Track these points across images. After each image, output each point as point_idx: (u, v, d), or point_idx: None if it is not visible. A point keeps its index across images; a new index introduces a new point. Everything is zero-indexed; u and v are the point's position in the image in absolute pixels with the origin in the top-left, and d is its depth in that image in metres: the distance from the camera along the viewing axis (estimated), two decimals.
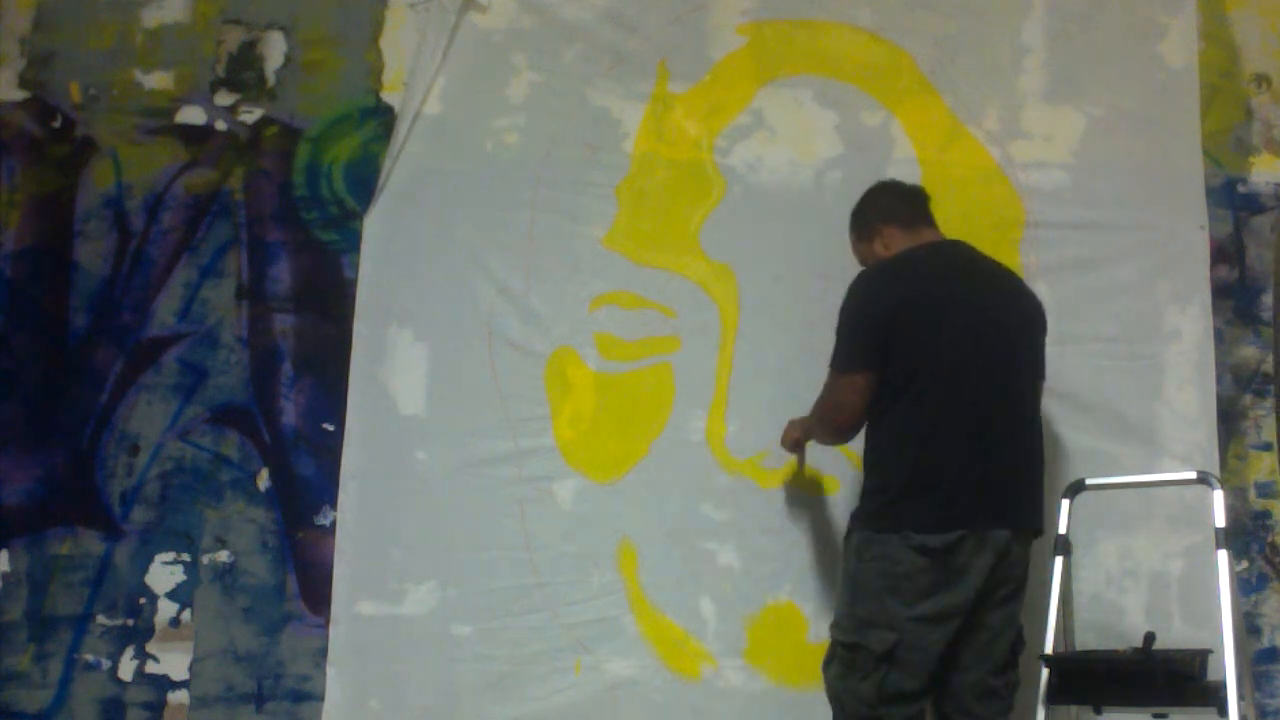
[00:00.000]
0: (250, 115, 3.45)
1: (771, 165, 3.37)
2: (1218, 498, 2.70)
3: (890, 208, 2.95)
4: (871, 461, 2.77)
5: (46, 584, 3.24)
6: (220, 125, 3.44)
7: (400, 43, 3.44)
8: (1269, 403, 3.38)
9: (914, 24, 3.44)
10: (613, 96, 3.39)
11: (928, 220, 2.94)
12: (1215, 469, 3.19)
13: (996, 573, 2.66)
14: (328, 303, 3.35)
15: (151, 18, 3.50)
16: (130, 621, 3.22)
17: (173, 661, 3.20)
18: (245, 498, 3.27)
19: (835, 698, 2.69)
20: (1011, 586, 2.71)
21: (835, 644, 2.71)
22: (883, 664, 2.61)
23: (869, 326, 2.73)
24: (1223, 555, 2.66)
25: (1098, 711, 2.71)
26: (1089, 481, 2.87)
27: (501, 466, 3.22)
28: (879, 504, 2.70)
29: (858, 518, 2.76)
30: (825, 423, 2.84)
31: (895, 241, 2.89)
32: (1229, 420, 3.33)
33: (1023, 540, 2.73)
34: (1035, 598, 2.87)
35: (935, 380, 2.68)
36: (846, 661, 2.66)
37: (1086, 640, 3.01)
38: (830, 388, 2.80)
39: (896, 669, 2.61)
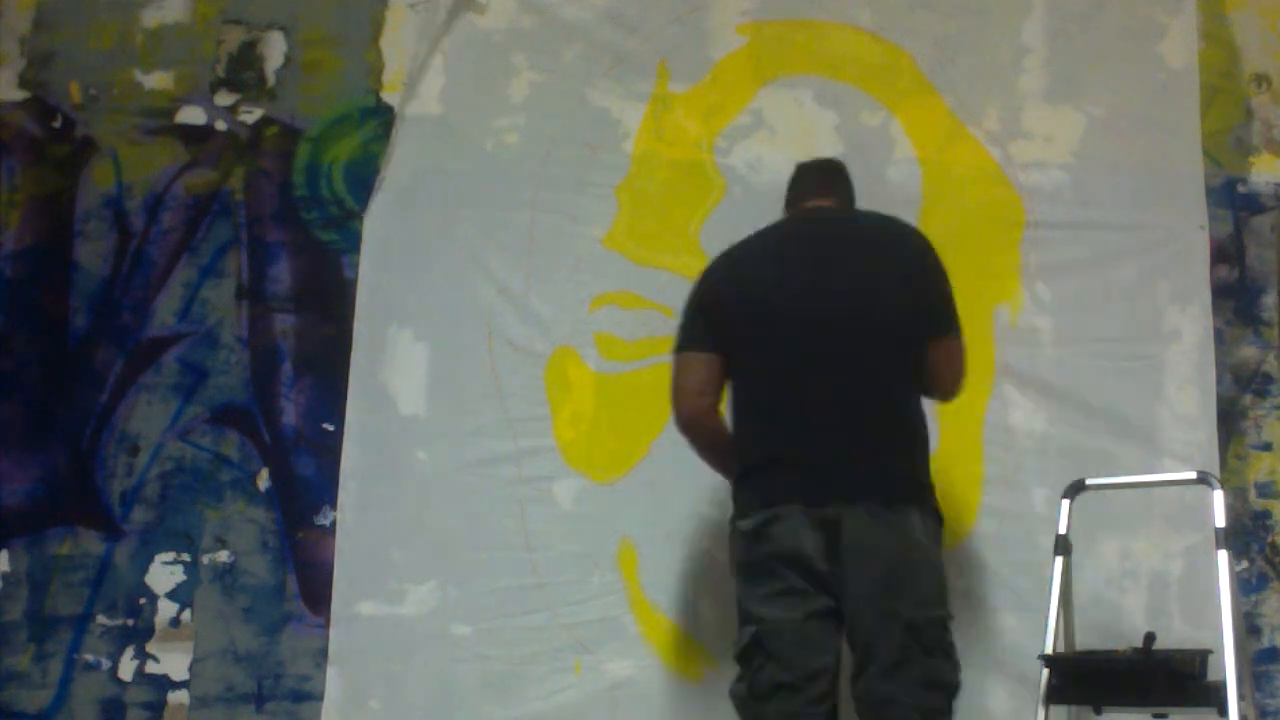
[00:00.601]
0: (250, 115, 3.45)
1: (771, 165, 3.36)
2: (1218, 498, 2.70)
3: (789, 193, 2.88)
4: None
5: (46, 584, 3.24)
6: (220, 125, 3.45)
7: (400, 43, 3.44)
8: (1269, 403, 3.38)
9: (914, 24, 3.44)
10: (613, 96, 3.39)
11: (816, 192, 2.80)
12: (1215, 469, 3.19)
13: (841, 558, 2.44)
14: (328, 303, 3.35)
15: (151, 18, 3.50)
16: (130, 621, 3.22)
17: (173, 661, 3.20)
18: (245, 498, 3.27)
19: (733, 704, 2.52)
20: (873, 580, 2.43)
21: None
22: (753, 659, 2.47)
23: (694, 308, 2.70)
24: (1223, 555, 2.66)
25: (1098, 711, 2.71)
26: (1089, 481, 2.86)
27: (501, 466, 3.22)
28: (731, 495, 2.63)
29: None
30: (673, 410, 2.70)
31: (787, 214, 2.86)
32: (1229, 420, 3.33)
33: (870, 519, 2.44)
34: (1035, 598, 2.87)
35: (751, 360, 2.60)
36: (737, 664, 2.52)
37: (1086, 640, 3.01)
38: (672, 370, 2.71)
39: (769, 662, 2.44)
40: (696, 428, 2.69)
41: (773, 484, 2.51)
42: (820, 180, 2.86)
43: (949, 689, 2.47)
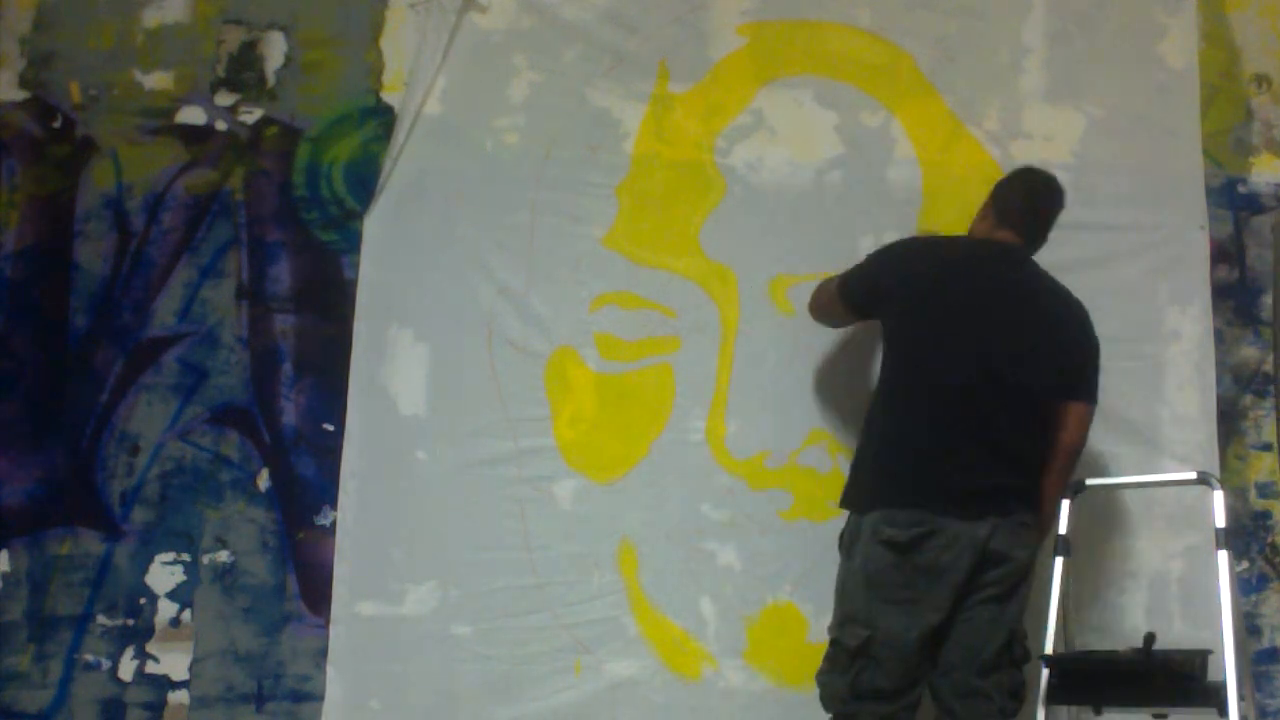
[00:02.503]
0: (250, 115, 3.45)
1: (771, 165, 3.37)
2: (1218, 498, 2.70)
3: (1004, 193, 2.98)
4: (862, 440, 2.85)
5: (46, 584, 3.24)
6: (220, 125, 3.44)
7: (400, 43, 3.44)
8: (1269, 403, 3.38)
9: (914, 24, 3.44)
10: (613, 96, 3.39)
11: (1020, 225, 2.91)
12: (1215, 469, 3.19)
13: (978, 570, 2.65)
14: (328, 303, 3.35)
15: (151, 18, 3.50)
16: (130, 621, 3.22)
17: (173, 661, 3.20)
18: (245, 498, 3.27)
19: (820, 694, 2.70)
20: (998, 587, 2.67)
21: (829, 639, 2.74)
22: (857, 660, 2.62)
23: (873, 274, 2.89)
24: (1223, 555, 2.66)
25: (1098, 712, 2.71)
26: (1089, 481, 2.87)
27: (501, 466, 3.22)
28: (858, 485, 2.78)
29: (845, 501, 2.83)
30: (810, 309, 3.10)
31: (984, 221, 2.96)
32: (1229, 420, 3.33)
33: (1009, 538, 2.67)
34: (1035, 598, 2.87)
35: (932, 370, 2.73)
36: (829, 657, 2.70)
37: (1086, 640, 3.01)
38: (823, 289, 3.04)
39: (871, 666, 2.61)
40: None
41: (930, 496, 2.65)
42: (1029, 219, 2.94)
43: (1021, 701, 2.69)
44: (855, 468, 2.82)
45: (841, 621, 2.69)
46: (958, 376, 2.69)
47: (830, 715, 2.69)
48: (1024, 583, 2.72)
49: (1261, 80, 3.52)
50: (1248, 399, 3.38)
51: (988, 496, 2.66)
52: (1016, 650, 2.69)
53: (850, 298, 2.92)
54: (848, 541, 2.74)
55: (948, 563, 2.62)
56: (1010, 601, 2.68)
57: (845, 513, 2.87)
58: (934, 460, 2.67)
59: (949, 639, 2.66)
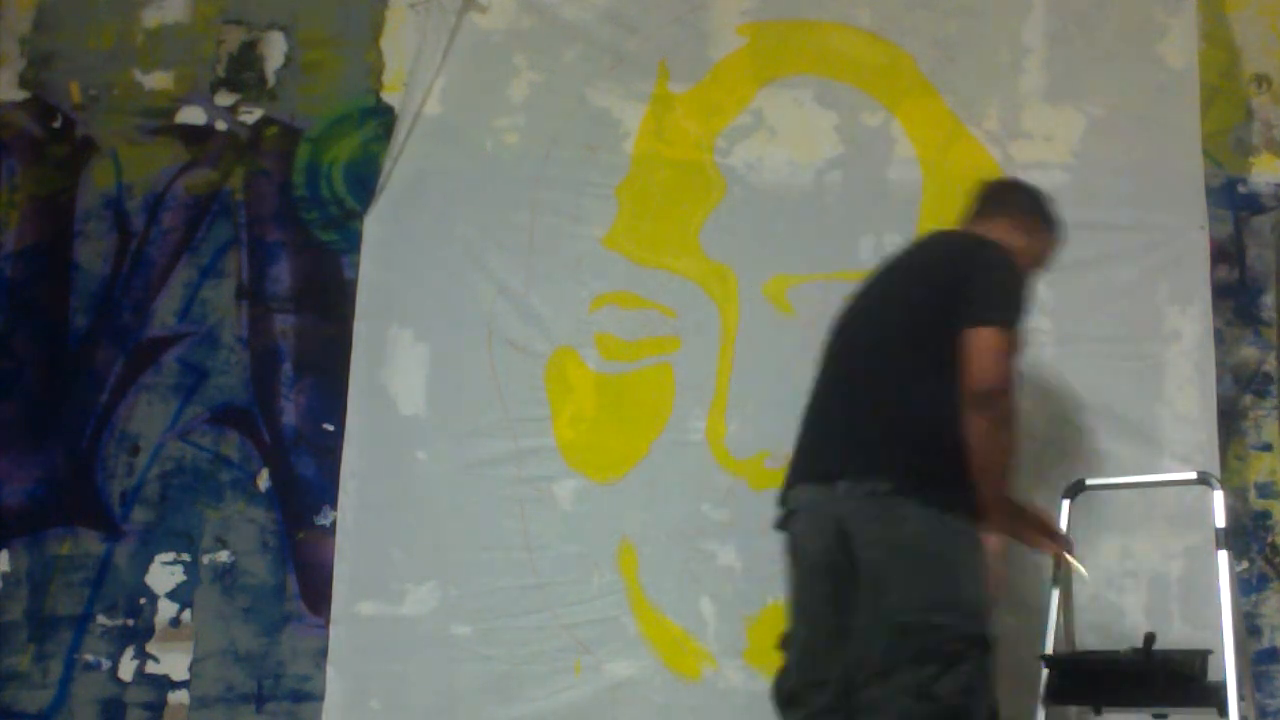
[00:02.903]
0: (250, 115, 3.45)
1: (771, 165, 3.37)
2: (1218, 498, 2.70)
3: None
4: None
5: (46, 584, 3.24)
6: (220, 125, 3.45)
7: (400, 43, 3.44)
8: (1269, 403, 3.38)
9: (914, 24, 3.44)
10: (613, 96, 3.39)
11: (971, 214, 2.81)
12: (1215, 469, 3.19)
13: (846, 553, 2.37)
14: (328, 303, 3.35)
15: (151, 18, 3.50)
16: (130, 621, 3.22)
17: (173, 661, 3.20)
18: (245, 498, 3.27)
19: (963, 712, 2.27)
20: (870, 573, 2.33)
21: (951, 639, 2.29)
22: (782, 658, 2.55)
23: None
24: (1223, 555, 2.66)
25: (1098, 712, 2.71)
26: (1089, 481, 2.87)
27: (501, 466, 3.22)
28: (958, 495, 2.41)
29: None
30: (999, 377, 2.44)
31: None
32: (1229, 420, 3.33)
33: (871, 510, 2.35)
34: (1035, 598, 2.87)
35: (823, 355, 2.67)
36: (978, 662, 2.30)
37: (1086, 640, 3.01)
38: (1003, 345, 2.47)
39: (784, 669, 2.56)
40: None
41: (794, 469, 2.57)
42: (977, 206, 2.82)
43: (938, 700, 2.27)
44: (954, 475, 2.48)
45: (986, 622, 2.40)
46: (833, 354, 2.62)
47: None
48: (902, 565, 2.32)
49: (1261, 80, 3.52)
50: (1248, 399, 3.38)
51: (837, 455, 2.41)
52: (919, 643, 2.28)
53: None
54: (966, 548, 2.43)
55: (809, 544, 2.43)
56: (887, 592, 2.31)
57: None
58: (805, 432, 2.56)
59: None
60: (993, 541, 2.43)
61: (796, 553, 2.50)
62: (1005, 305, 2.46)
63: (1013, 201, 2.83)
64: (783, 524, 2.57)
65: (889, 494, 2.34)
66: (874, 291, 2.66)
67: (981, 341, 2.39)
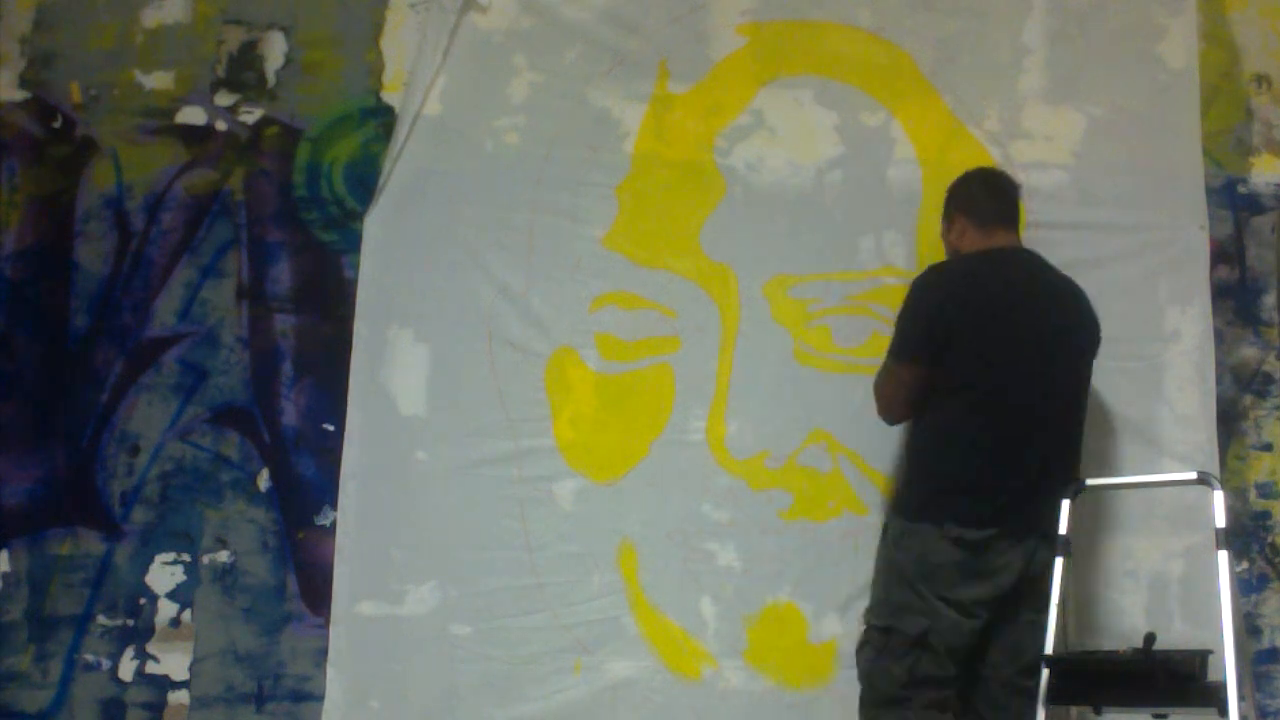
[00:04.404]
0: (250, 115, 3.45)
1: (771, 165, 3.37)
2: (1218, 498, 2.70)
3: (971, 199, 3.03)
4: (918, 455, 2.92)
5: (46, 584, 3.24)
6: (220, 125, 3.44)
7: (400, 43, 3.44)
8: (1269, 403, 3.38)
9: (914, 24, 3.44)
10: (613, 96, 3.39)
11: (1005, 220, 3.01)
12: (1215, 469, 3.20)
13: (1027, 576, 2.78)
14: (328, 303, 3.35)
15: (151, 18, 3.50)
16: (130, 621, 3.22)
17: (173, 661, 3.20)
18: (245, 498, 3.27)
19: (866, 676, 2.81)
20: (1042, 593, 2.77)
21: (869, 628, 2.85)
22: (915, 648, 2.73)
23: (920, 321, 2.87)
24: (1223, 556, 2.66)
25: (1098, 712, 2.71)
26: (1089, 482, 2.87)
27: (501, 466, 3.22)
28: (922, 496, 2.85)
29: (898, 508, 2.92)
30: (877, 402, 2.99)
31: (968, 235, 2.99)
32: (1229, 421, 3.33)
33: (1050, 547, 2.79)
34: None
35: (988, 385, 2.80)
36: (879, 645, 2.79)
37: (1086, 640, 3.01)
38: (883, 371, 2.97)
39: (928, 654, 2.73)
40: (893, 421, 3.03)
41: (1004, 506, 2.77)
42: (1009, 213, 3.02)
43: None
44: (924, 483, 2.88)
45: (895, 610, 2.79)
46: (1023, 396, 2.80)
47: (877, 699, 2.77)
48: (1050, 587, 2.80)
49: (1261, 80, 3.52)
50: (1248, 399, 3.38)
51: (1038, 516, 2.78)
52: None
53: (917, 354, 2.88)
54: (895, 535, 2.86)
55: (1002, 567, 2.76)
56: (1047, 608, 2.77)
57: (845, 512, 2.89)
58: (1001, 480, 2.78)
59: (996, 641, 2.81)
60: None
61: (987, 572, 2.77)
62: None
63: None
64: (982, 544, 2.77)
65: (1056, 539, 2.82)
66: (1046, 340, 2.85)
67: None
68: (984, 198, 3.02)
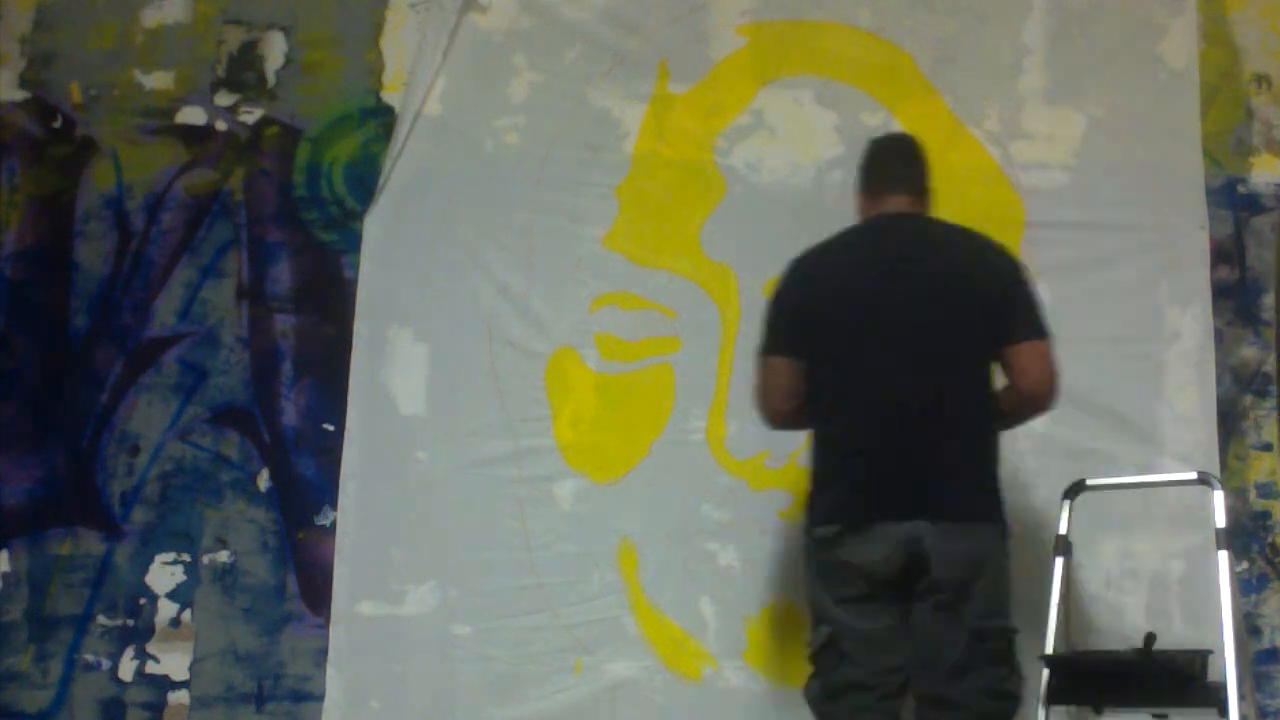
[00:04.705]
0: (250, 115, 3.45)
1: (771, 165, 3.37)
2: (1218, 498, 2.70)
3: (864, 171, 2.82)
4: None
5: (46, 584, 3.24)
6: (220, 125, 3.45)
7: (400, 43, 3.44)
8: (1269, 403, 3.38)
9: (914, 24, 3.44)
10: (613, 96, 3.39)
11: (893, 184, 2.74)
12: (1215, 469, 3.19)
13: (921, 567, 2.50)
14: (328, 303, 3.35)
15: (151, 18, 3.50)
16: (130, 621, 3.22)
17: (173, 661, 3.20)
18: (245, 498, 3.27)
19: (810, 708, 2.61)
20: (947, 589, 2.50)
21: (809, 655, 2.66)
22: (829, 657, 2.56)
23: (775, 311, 2.71)
24: (1223, 556, 2.66)
25: (1098, 712, 2.71)
26: (1089, 482, 2.86)
27: (501, 466, 3.22)
28: (807, 503, 2.68)
29: None
30: (755, 405, 2.76)
31: (862, 207, 2.79)
32: (1229, 421, 3.33)
33: (949, 532, 2.50)
34: (1035, 598, 2.87)
35: (845, 368, 2.60)
36: (811, 663, 2.61)
37: (1086, 640, 3.01)
38: (754, 369, 2.75)
39: (843, 662, 2.53)
40: (784, 427, 2.77)
41: (852, 496, 2.55)
42: (900, 173, 2.76)
43: (1010, 699, 2.53)
44: (809, 490, 2.69)
45: (812, 626, 2.63)
46: (882, 375, 2.57)
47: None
48: (979, 579, 2.52)
49: (1261, 80, 3.52)
50: (1248, 399, 3.38)
51: (920, 499, 2.51)
52: (992, 646, 2.52)
53: (778, 352, 2.68)
54: (802, 551, 2.68)
55: (875, 559, 2.50)
56: (966, 602, 2.50)
57: None
58: (862, 468, 2.55)
59: (915, 648, 2.54)
60: None
61: (856, 565, 2.53)
62: (1039, 319, 2.67)
63: (925, 169, 2.81)
64: (836, 538, 2.56)
65: (972, 522, 2.56)
66: (909, 298, 2.59)
67: (1036, 353, 2.63)
68: (870, 165, 2.80)
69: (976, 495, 2.57)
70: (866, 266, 2.66)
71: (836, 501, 2.58)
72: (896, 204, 2.72)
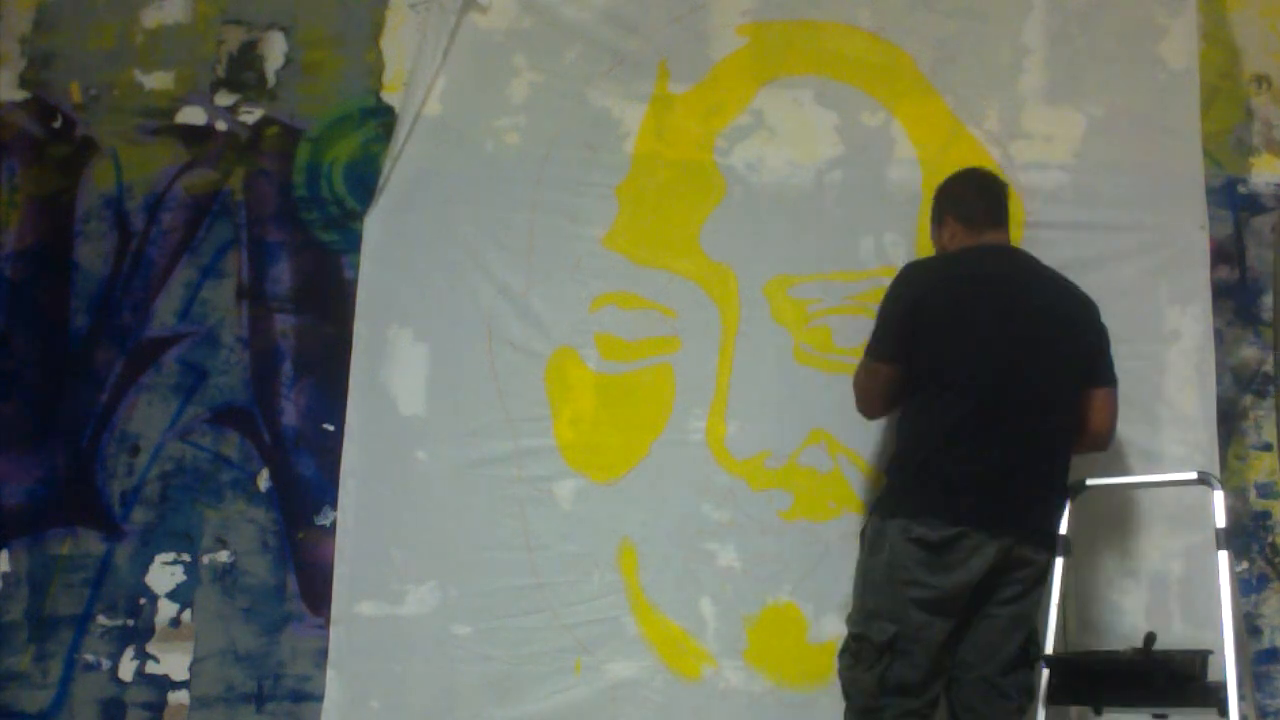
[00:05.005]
0: (250, 115, 3.45)
1: (771, 165, 3.37)
2: (1218, 498, 2.70)
3: (959, 199, 2.99)
4: (893, 452, 2.89)
5: (46, 584, 3.24)
6: (220, 125, 3.44)
7: (400, 43, 3.44)
8: (1269, 403, 3.38)
9: (914, 24, 3.44)
10: (613, 96, 3.39)
11: (994, 221, 2.96)
12: (1215, 469, 3.19)
13: (1000, 572, 2.71)
14: (328, 303, 3.35)
15: (151, 18, 3.50)
16: (130, 621, 3.22)
17: (173, 661, 3.20)
18: (245, 498, 3.27)
19: (844, 687, 2.75)
20: (1019, 587, 2.74)
21: (848, 635, 2.78)
22: (884, 655, 2.67)
23: (894, 319, 2.84)
24: (1223, 556, 2.66)
25: (1098, 712, 2.71)
26: (1089, 481, 2.87)
27: (501, 466, 3.22)
28: (888, 492, 2.81)
29: (875, 508, 2.86)
30: (856, 397, 2.96)
31: (957, 235, 2.96)
32: (1229, 421, 3.33)
33: (1032, 543, 2.75)
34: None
35: (955, 380, 2.75)
36: (854, 652, 2.73)
37: (1086, 640, 3.01)
38: (860, 367, 2.93)
39: (898, 660, 2.66)
40: (872, 417, 3.02)
41: (960, 502, 2.69)
42: (999, 213, 2.98)
43: (1032, 698, 2.75)
44: (891, 477, 2.86)
45: (867, 616, 2.73)
46: (991, 389, 2.74)
47: (854, 708, 2.73)
48: (1041, 583, 2.78)
49: (1261, 80, 3.52)
50: (1248, 399, 3.38)
51: (1013, 512, 2.72)
52: (1032, 650, 2.76)
53: (889, 354, 2.85)
54: (870, 537, 2.78)
55: (974, 566, 2.68)
56: (1027, 602, 2.75)
57: (845, 512, 2.88)
58: (967, 473, 2.71)
59: (967, 638, 2.74)
60: None
61: (954, 569, 2.69)
62: (1114, 369, 2.96)
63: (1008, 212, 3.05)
64: (945, 543, 2.69)
65: (1045, 542, 2.81)
66: (1018, 334, 2.78)
67: (1109, 399, 2.92)
68: (974, 198, 2.98)
69: (1054, 515, 2.80)
70: (989, 286, 2.84)
71: (936, 503, 2.70)
72: (997, 238, 2.95)
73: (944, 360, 2.77)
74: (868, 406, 2.95)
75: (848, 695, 2.74)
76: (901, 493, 2.77)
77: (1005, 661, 2.73)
